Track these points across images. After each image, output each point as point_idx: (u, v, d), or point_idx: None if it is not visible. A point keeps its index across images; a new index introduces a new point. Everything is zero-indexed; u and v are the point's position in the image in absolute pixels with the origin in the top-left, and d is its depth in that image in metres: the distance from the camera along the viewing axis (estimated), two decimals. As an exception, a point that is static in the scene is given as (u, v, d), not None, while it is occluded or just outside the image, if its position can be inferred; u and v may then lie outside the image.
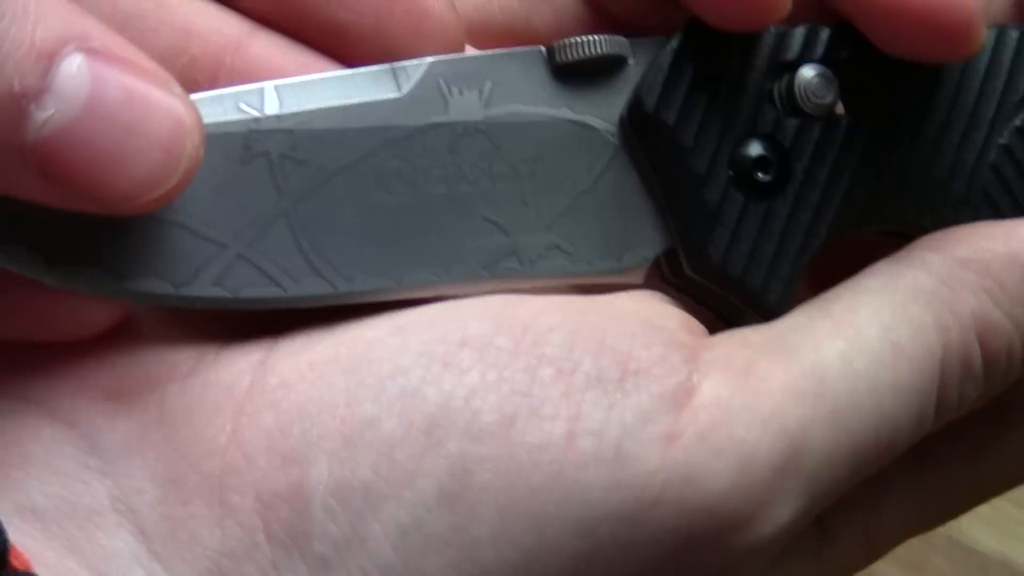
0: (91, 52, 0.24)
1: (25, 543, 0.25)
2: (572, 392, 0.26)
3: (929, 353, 0.28)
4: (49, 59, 0.23)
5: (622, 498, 0.26)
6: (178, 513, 0.26)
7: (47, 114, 0.23)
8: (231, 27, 0.28)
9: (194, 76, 0.28)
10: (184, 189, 0.25)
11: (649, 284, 0.30)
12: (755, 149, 0.29)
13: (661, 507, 0.26)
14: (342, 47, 0.29)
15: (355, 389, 0.26)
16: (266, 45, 0.28)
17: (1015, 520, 0.67)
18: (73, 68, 0.23)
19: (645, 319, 0.28)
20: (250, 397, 0.26)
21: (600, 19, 0.32)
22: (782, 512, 0.27)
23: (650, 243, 0.29)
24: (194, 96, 0.27)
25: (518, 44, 0.32)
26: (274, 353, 0.27)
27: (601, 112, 0.29)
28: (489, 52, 0.30)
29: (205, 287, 0.27)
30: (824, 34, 0.30)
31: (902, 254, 0.30)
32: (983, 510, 0.35)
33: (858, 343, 0.28)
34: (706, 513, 0.26)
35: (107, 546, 0.26)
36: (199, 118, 0.25)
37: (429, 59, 0.29)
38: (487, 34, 0.32)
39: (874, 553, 0.33)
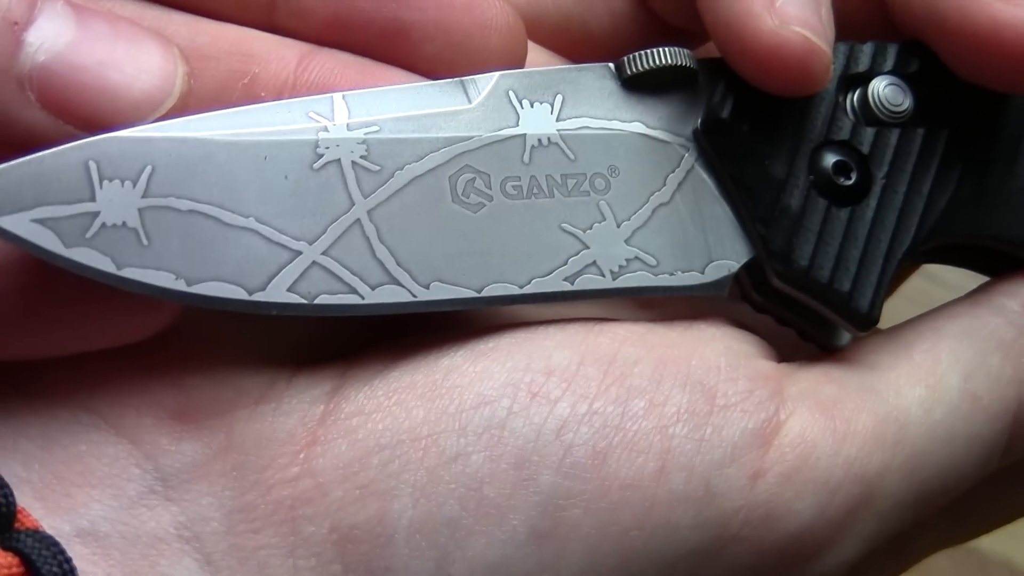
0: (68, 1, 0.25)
1: (84, 569, 0.24)
2: (664, 426, 0.26)
3: (1005, 406, 0.29)
4: None
5: (706, 535, 0.26)
6: (246, 542, 0.25)
7: (40, 41, 0.24)
8: (291, 50, 0.28)
9: (257, 94, 0.27)
10: (183, 112, 0.25)
11: (727, 307, 0.30)
12: (833, 155, 0.29)
13: (738, 543, 0.26)
14: (405, 49, 0.28)
15: (436, 419, 0.26)
16: (328, 60, 0.28)
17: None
18: (58, 5, 0.24)
19: (727, 348, 0.28)
20: (324, 426, 0.26)
21: (655, 24, 0.32)
22: (847, 551, 0.27)
23: (733, 254, 0.29)
24: (261, 105, 0.27)
25: (571, 42, 0.32)
26: (347, 380, 0.27)
27: (673, 126, 0.29)
28: (558, 67, 0.30)
29: (280, 293, 0.26)
30: (893, 49, 0.30)
31: (981, 297, 0.30)
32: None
33: (938, 392, 0.28)
34: (778, 551, 0.26)
35: (171, 575, 0.25)
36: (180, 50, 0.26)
37: (498, 72, 0.28)
38: (539, 31, 0.32)
39: (903, 566, 0.33)
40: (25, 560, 0.24)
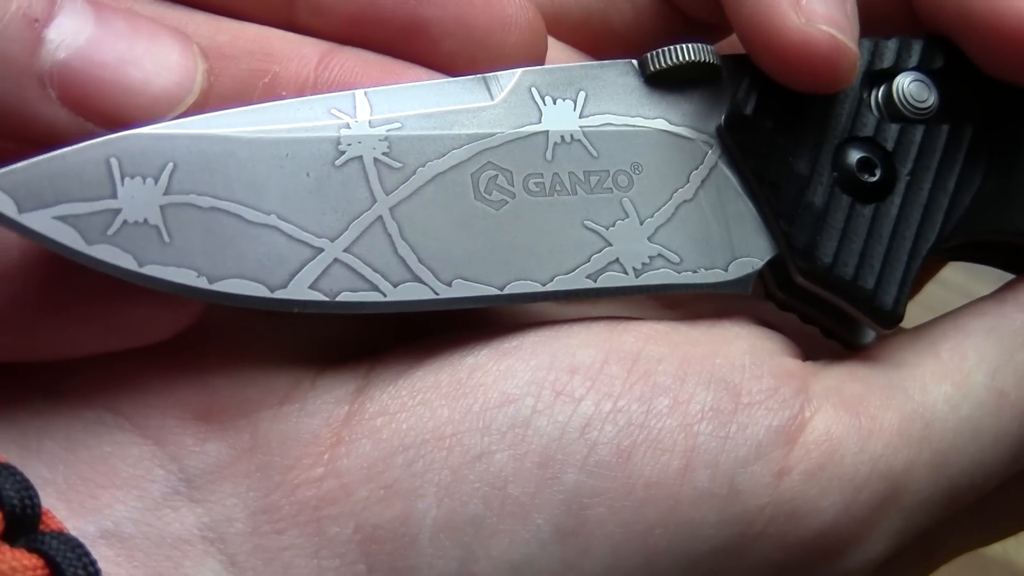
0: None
1: (109, 570, 0.24)
2: (688, 424, 0.26)
3: None
4: None
5: (730, 533, 0.26)
6: (271, 543, 0.25)
7: (60, 38, 0.24)
8: (311, 48, 0.28)
9: (278, 93, 0.27)
10: (203, 110, 0.25)
11: (751, 305, 0.29)
12: (857, 151, 0.29)
13: (762, 541, 0.26)
14: (426, 46, 0.28)
15: (461, 418, 0.25)
16: (349, 58, 0.28)
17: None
18: (78, 3, 0.24)
19: (751, 346, 0.28)
20: (348, 426, 0.26)
21: (677, 18, 0.32)
22: (874, 547, 0.27)
23: (756, 251, 0.29)
24: (284, 102, 0.26)
25: (593, 38, 0.32)
26: (371, 380, 0.26)
27: (696, 123, 0.29)
28: (580, 63, 0.29)
29: (301, 290, 0.26)
30: (918, 45, 0.30)
31: (1008, 294, 0.30)
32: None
33: (964, 388, 0.28)
34: (803, 547, 0.26)
35: None
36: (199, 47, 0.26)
37: (520, 69, 0.28)
38: (560, 27, 0.32)
39: (931, 566, 0.33)
40: (50, 562, 0.23)
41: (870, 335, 0.30)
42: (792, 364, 0.28)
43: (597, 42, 0.32)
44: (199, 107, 0.25)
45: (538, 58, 0.29)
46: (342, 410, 0.26)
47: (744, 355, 0.27)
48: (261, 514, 0.25)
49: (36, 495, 0.24)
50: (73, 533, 0.24)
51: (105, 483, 0.25)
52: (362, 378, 0.27)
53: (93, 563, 0.24)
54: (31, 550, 0.24)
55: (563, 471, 0.25)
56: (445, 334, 0.27)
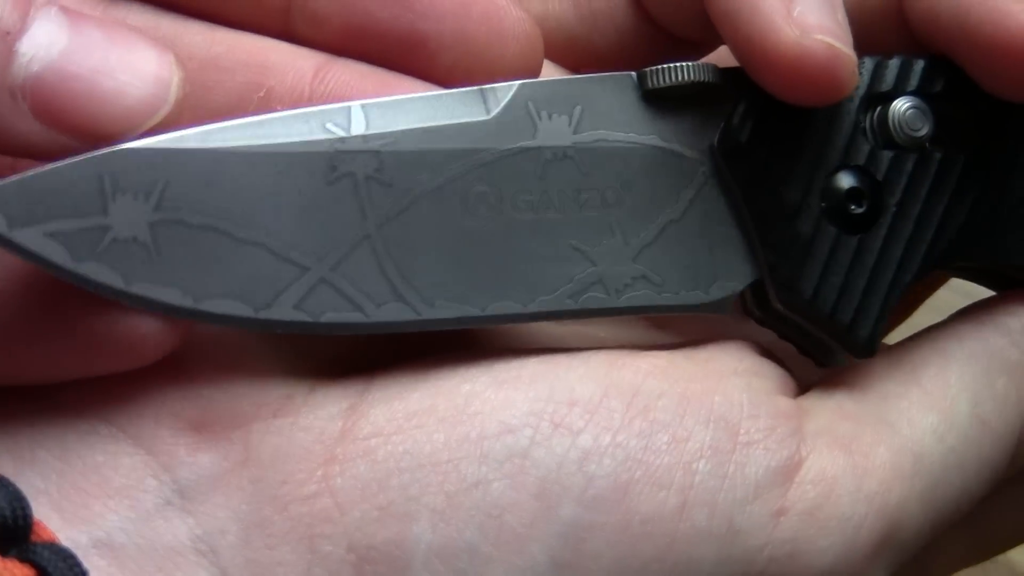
0: (63, 9, 0.24)
1: None
2: (687, 462, 0.26)
3: (1010, 428, 0.29)
4: (26, 1, 0.24)
5: (730, 572, 0.26)
6: (263, 558, 0.25)
7: (33, 51, 0.23)
8: (307, 61, 0.28)
9: (273, 106, 0.27)
10: (177, 120, 0.25)
11: (741, 323, 0.29)
12: (847, 181, 0.29)
13: None
14: (422, 59, 0.28)
15: (458, 445, 0.25)
16: (344, 71, 0.28)
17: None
18: (52, 13, 0.24)
19: (746, 383, 0.28)
20: (342, 444, 0.26)
21: (661, 37, 0.32)
22: None
23: (738, 275, 0.29)
24: (279, 114, 0.26)
25: (578, 60, 0.32)
26: (366, 398, 0.26)
27: (691, 140, 0.29)
28: (579, 76, 0.29)
29: (286, 311, 0.26)
30: (919, 66, 0.29)
31: (984, 316, 0.30)
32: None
33: (950, 418, 0.28)
34: None
35: None
36: (176, 56, 0.25)
37: (518, 82, 0.28)
38: (545, 51, 0.31)
39: None
40: (41, 572, 0.23)
41: (844, 356, 0.30)
42: (786, 404, 0.28)
43: (583, 64, 0.32)
44: (175, 117, 0.25)
45: (535, 70, 0.29)
46: (336, 426, 0.26)
47: (742, 392, 0.27)
48: (253, 528, 0.25)
49: (28, 506, 0.24)
50: (66, 543, 0.24)
51: (98, 493, 0.25)
52: (356, 396, 0.26)
53: (84, 573, 0.24)
54: (23, 560, 0.24)
55: (560, 503, 0.25)
56: (442, 355, 0.27)
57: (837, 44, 0.27)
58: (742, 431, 0.26)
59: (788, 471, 0.26)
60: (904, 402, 0.28)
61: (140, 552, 0.25)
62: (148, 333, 0.25)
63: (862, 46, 0.29)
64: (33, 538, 0.24)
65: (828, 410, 0.28)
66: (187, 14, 0.28)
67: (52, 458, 0.25)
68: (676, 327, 0.32)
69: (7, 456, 0.25)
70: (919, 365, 0.29)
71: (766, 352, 0.29)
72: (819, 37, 0.27)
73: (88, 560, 0.24)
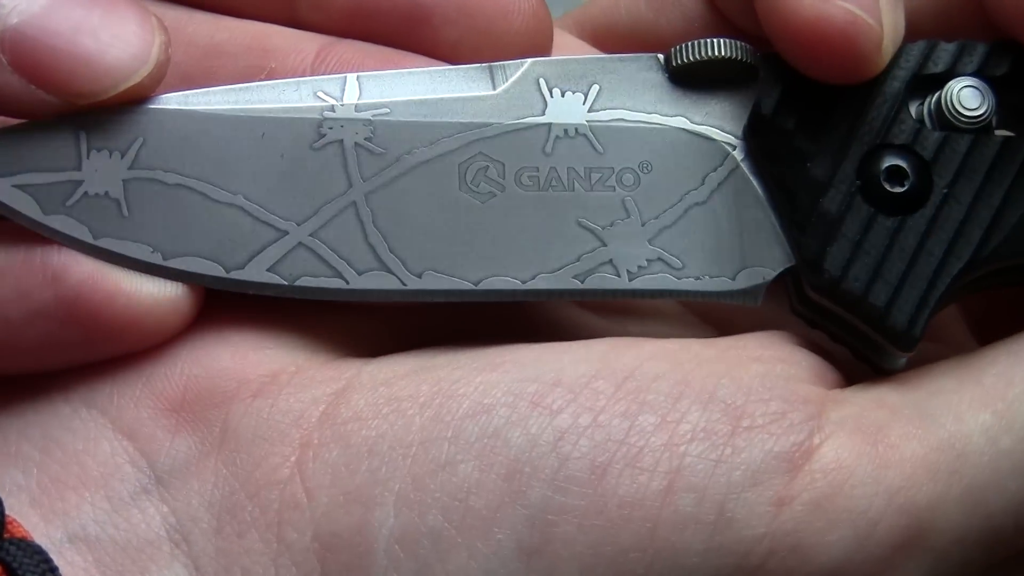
0: None
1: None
2: (675, 444, 0.24)
3: None
4: None
5: (720, 564, 0.24)
6: (233, 547, 0.24)
7: (14, 3, 0.23)
8: (310, 43, 0.27)
9: None
10: (159, 82, 0.25)
11: (780, 319, 0.28)
12: (889, 159, 0.27)
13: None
14: (427, 35, 0.28)
15: (431, 426, 0.24)
16: (347, 51, 0.27)
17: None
18: None
19: (767, 369, 0.26)
20: (320, 428, 0.25)
21: (726, 26, 0.30)
22: None
23: (770, 261, 0.27)
24: (272, 81, 0.26)
25: (643, 47, 0.31)
26: (353, 384, 0.25)
27: (722, 123, 0.27)
28: (598, 56, 0.28)
29: (259, 272, 0.26)
30: (981, 48, 0.27)
31: None
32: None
33: (1007, 418, 0.25)
34: None
35: None
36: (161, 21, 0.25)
37: (531, 59, 0.27)
38: (611, 37, 0.31)
39: None
40: (8, 569, 0.23)
41: (902, 360, 0.27)
42: (809, 390, 0.25)
43: (646, 49, 0.31)
44: (155, 79, 0.25)
45: (543, 45, 0.28)
46: (316, 411, 0.25)
47: (755, 378, 0.25)
48: (225, 514, 0.24)
49: (0, 503, 0.24)
50: (42, 539, 0.24)
51: (75, 483, 0.25)
52: (345, 380, 0.26)
53: (54, 570, 0.23)
54: (-9, 557, 0.23)
55: (529, 485, 0.24)
56: (442, 345, 0.26)
57: (859, 11, 0.25)
58: (746, 415, 0.25)
59: (795, 458, 0.24)
60: (955, 397, 0.26)
61: (115, 545, 0.24)
62: (146, 318, 0.25)
63: (942, 35, 0.27)
64: (5, 535, 0.24)
65: (864, 400, 0.26)
66: (192, 5, 0.28)
67: (35, 451, 0.25)
68: (730, 326, 0.29)
69: None
70: (986, 364, 0.26)
71: (810, 344, 0.27)
72: (840, 3, 0.25)
73: (62, 555, 0.24)
